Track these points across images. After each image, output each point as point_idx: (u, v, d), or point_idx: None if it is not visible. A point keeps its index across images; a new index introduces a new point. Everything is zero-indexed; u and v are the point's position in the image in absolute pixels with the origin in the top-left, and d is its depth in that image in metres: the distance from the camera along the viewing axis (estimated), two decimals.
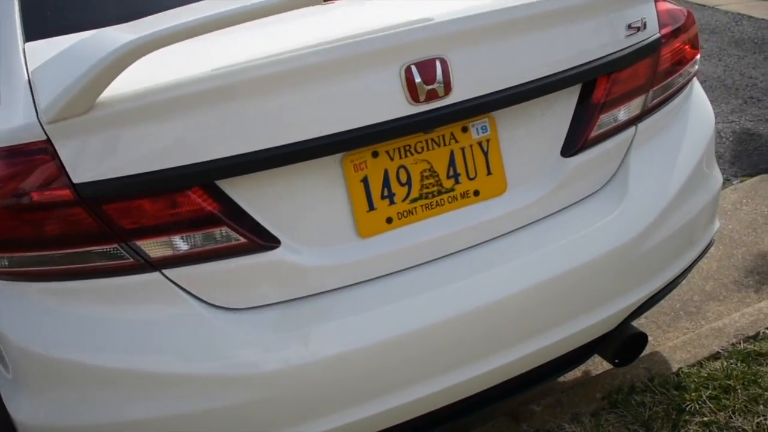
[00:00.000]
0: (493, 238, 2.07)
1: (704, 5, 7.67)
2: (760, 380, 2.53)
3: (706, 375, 2.59)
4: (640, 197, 2.21)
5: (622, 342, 2.37)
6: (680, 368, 2.66)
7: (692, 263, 2.46)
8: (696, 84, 2.52)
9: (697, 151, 2.39)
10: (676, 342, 2.83)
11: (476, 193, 2.02)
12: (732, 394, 2.49)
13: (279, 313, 1.81)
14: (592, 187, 2.19)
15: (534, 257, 2.07)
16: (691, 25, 2.37)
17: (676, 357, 2.74)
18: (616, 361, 2.48)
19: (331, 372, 1.83)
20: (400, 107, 1.80)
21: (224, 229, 1.76)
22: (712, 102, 2.70)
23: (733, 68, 5.92)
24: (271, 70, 1.70)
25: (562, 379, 2.76)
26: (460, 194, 2.01)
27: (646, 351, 2.81)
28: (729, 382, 2.54)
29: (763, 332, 2.81)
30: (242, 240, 1.77)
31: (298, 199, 1.82)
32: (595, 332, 2.26)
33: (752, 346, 2.70)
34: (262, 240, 1.79)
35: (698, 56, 2.42)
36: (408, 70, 1.78)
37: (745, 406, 2.45)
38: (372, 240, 1.93)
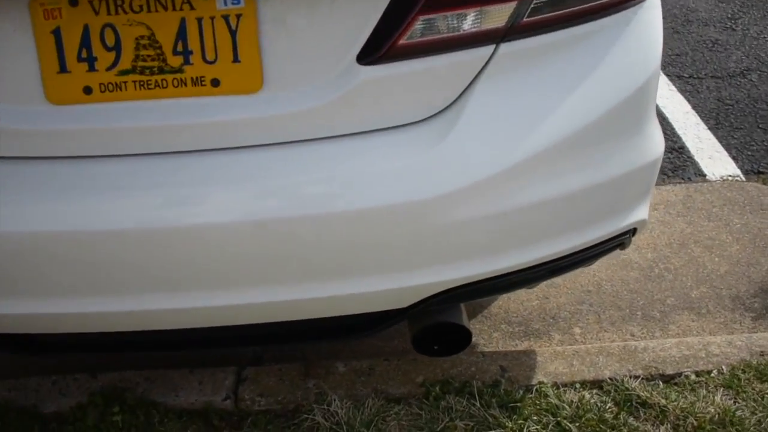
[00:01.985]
0: (232, 148, 1.72)
1: None
2: None
3: (555, 404, 2.12)
4: (473, 145, 1.75)
5: (425, 330, 1.96)
6: (540, 383, 2.21)
7: (567, 259, 1.96)
8: (648, 13, 1.91)
9: (607, 101, 1.84)
10: (569, 349, 2.35)
11: (215, 82, 1.66)
12: None
13: None
14: (403, 114, 1.75)
15: (282, 186, 1.72)
16: None
17: (550, 367, 2.28)
18: (436, 347, 2.07)
19: None
20: None
21: None
22: None
23: None
24: None
25: (405, 345, 2.38)
26: (191, 79, 1.66)
27: (525, 346, 2.38)
28: (575, 425, 2.07)
29: (686, 375, 2.26)
30: None
31: None
32: (372, 304, 1.88)
33: (647, 391, 2.18)
34: None
35: None
36: None
37: None
38: (65, 109, 1.67)
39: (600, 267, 2.81)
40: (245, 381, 2.23)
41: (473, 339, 2.36)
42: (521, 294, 2.68)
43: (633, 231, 2.10)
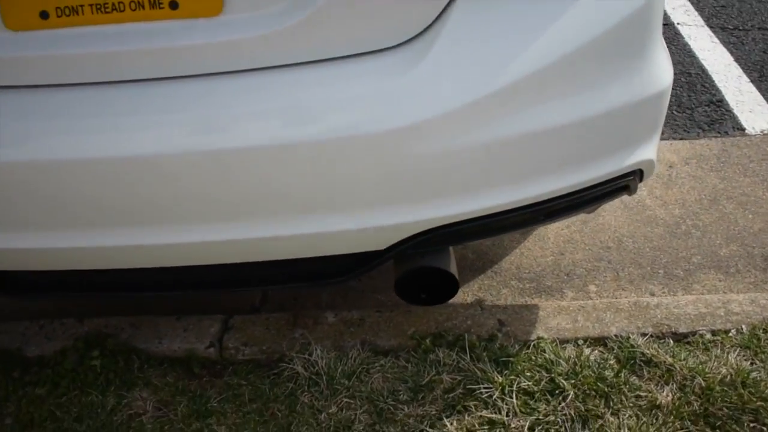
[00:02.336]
0: (192, 76, 1.66)
1: None
2: (611, 398, 1.95)
3: (551, 359, 2.03)
4: (449, 71, 1.66)
5: (407, 274, 1.89)
6: (539, 339, 2.12)
7: (562, 200, 1.87)
8: None
9: (603, 21, 1.73)
10: (575, 304, 2.25)
11: (173, 5, 1.61)
12: (555, 400, 1.94)
13: None
14: (373, 40, 1.67)
15: (243, 114, 1.66)
16: None
17: (552, 323, 2.19)
18: (423, 296, 2.00)
19: None
20: None
21: None
22: None
23: None
24: None
25: None
26: (149, 2, 1.61)
27: (535, 301, 2.29)
28: (570, 382, 1.98)
29: (701, 334, 2.14)
30: None
31: None
32: (349, 244, 1.82)
33: (654, 349, 2.08)
34: None
35: None
36: None
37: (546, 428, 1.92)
38: (23, 36, 1.64)
39: (622, 222, 2.69)
40: (231, 329, 2.19)
41: (480, 295, 2.29)
42: (535, 249, 2.58)
43: (640, 174, 1.99)
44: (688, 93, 3.34)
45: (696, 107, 3.26)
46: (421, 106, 1.64)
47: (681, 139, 3.07)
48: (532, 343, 2.12)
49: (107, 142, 1.66)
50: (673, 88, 3.26)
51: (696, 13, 3.92)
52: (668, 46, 3.55)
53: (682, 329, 2.18)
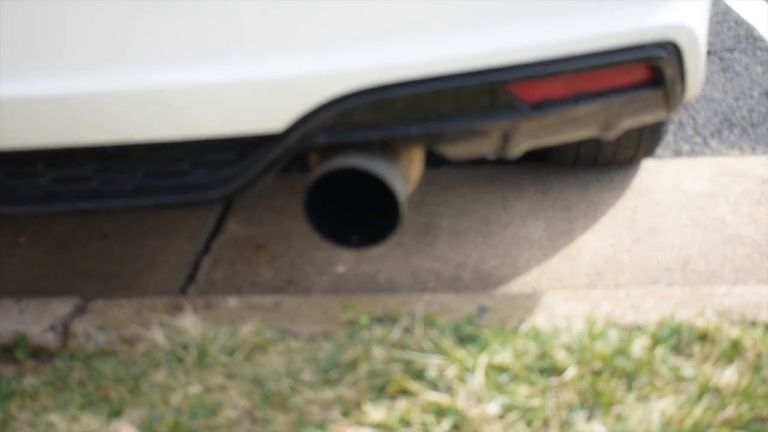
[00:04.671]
0: None
1: None
2: (637, 378, 1.35)
3: (545, 332, 1.43)
4: None
5: (319, 182, 1.39)
6: (533, 326, 1.53)
7: (542, 70, 1.39)
8: None
9: None
10: (600, 292, 1.67)
11: None
12: (544, 380, 1.35)
13: None
14: None
15: None
16: None
17: (560, 308, 1.61)
18: (353, 238, 1.48)
19: None
20: None
21: None
22: None
23: None
24: None
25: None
26: None
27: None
28: (574, 357, 1.40)
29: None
30: None
31: None
32: (229, 121, 1.36)
33: (715, 324, 1.46)
34: None
35: None
36: None
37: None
38: None
39: (690, 240, 2.12)
40: (85, 312, 1.68)
41: None
42: (561, 268, 2.02)
43: (677, 56, 1.48)
44: None
45: None
46: None
47: None
48: (525, 329, 1.53)
49: None
50: None
51: None
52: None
53: (765, 317, 1.55)
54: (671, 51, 1.47)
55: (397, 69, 1.36)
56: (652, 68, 1.48)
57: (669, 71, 1.49)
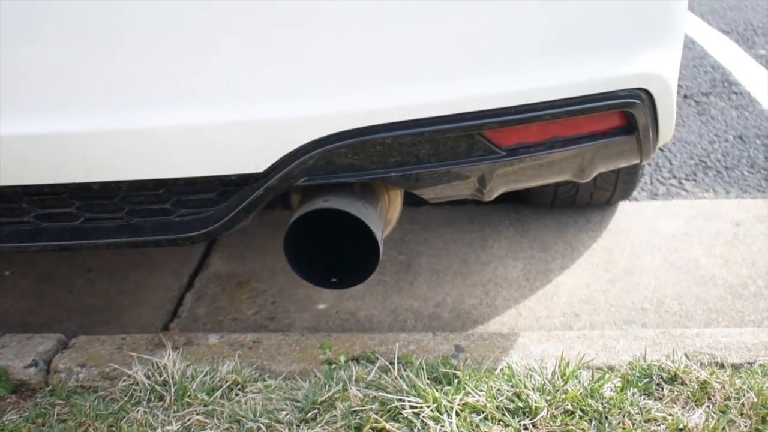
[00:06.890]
0: None
1: None
2: (607, 419, 1.37)
3: (519, 372, 1.45)
4: None
5: (298, 222, 1.41)
6: (508, 365, 1.54)
7: (520, 116, 1.42)
8: None
9: None
10: (574, 333, 1.68)
11: None
12: (517, 421, 1.36)
13: None
14: None
15: None
16: None
17: (535, 349, 1.62)
18: (333, 279, 1.49)
19: None
20: None
21: None
22: None
23: None
24: None
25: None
26: None
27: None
28: (546, 398, 1.40)
29: (761, 364, 1.53)
30: None
31: None
32: (211, 163, 1.38)
33: (685, 366, 1.48)
34: None
35: None
36: None
37: None
38: None
39: (664, 282, 2.13)
40: (68, 348, 1.68)
41: None
42: (538, 308, 2.03)
43: (650, 102, 1.50)
44: (765, 154, 2.85)
45: None
46: None
47: (753, 198, 2.54)
48: (499, 369, 1.54)
49: None
50: (747, 149, 2.78)
51: None
52: (746, 111, 3.12)
53: (733, 359, 1.57)
54: (644, 99, 1.49)
55: (377, 114, 1.38)
56: (626, 115, 1.51)
57: (642, 119, 1.51)
